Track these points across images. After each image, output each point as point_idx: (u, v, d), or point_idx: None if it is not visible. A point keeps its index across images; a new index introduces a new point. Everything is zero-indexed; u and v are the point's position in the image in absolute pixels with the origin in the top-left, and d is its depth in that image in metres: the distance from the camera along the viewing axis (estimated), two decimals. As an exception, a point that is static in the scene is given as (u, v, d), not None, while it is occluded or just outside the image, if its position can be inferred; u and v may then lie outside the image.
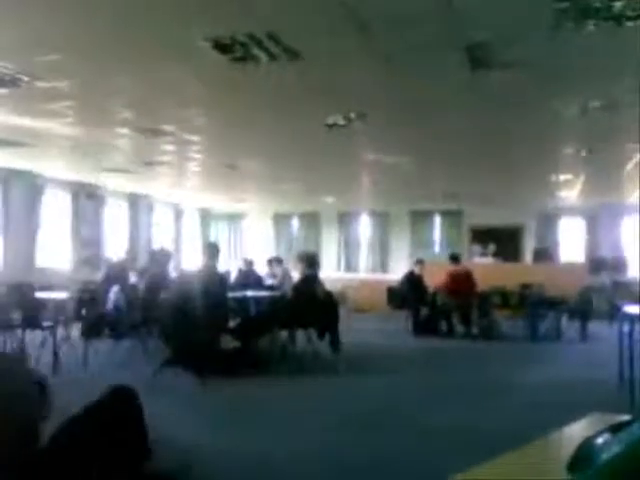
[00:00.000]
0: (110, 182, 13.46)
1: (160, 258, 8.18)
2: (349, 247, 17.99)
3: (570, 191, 13.51)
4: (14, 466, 2.21)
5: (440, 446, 4.20)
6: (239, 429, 4.62)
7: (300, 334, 7.43)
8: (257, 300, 8.63)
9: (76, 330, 8.70)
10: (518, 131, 8.07)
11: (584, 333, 10.15)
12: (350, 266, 17.82)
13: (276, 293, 8.97)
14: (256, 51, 4.98)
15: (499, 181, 12.51)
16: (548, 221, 16.45)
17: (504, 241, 16.28)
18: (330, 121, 7.43)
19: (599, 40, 4.70)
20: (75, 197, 13.25)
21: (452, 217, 16.98)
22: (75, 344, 7.72)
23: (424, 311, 10.74)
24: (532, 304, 10.23)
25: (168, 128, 7.97)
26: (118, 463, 2.57)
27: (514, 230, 16.43)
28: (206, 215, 18.65)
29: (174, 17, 4.41)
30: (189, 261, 16.34)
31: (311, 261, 7.97)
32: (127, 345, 7.50)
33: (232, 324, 7.20)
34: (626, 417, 1.43)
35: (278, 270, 10.79)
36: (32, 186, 12.01)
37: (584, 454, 1.20)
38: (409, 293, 11.01)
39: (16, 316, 7.06)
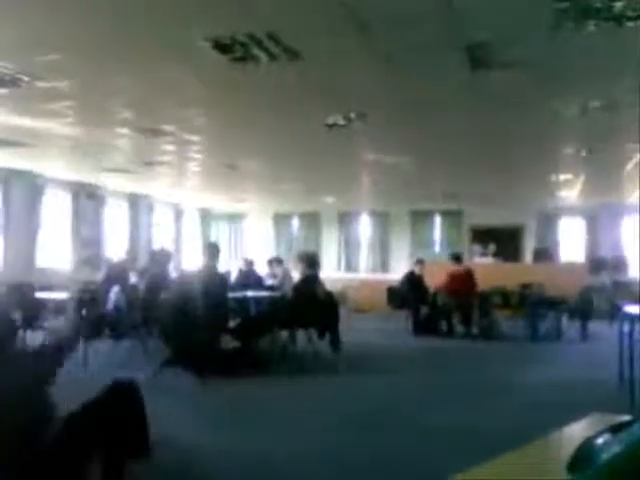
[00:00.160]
0: (110, 182, 13.46)
1: (160, 258, 8.18)
2: (349, 247, 17.99)
3: (570, 191, 13.51)
4: (16, 461, 2.22)
5: (440, 446, 4.20)
6: (239, 429, 4.62)
7: (300, 334, 7.43)
8: (257, 300, 8.63)
9: (76, 330, 8.68)
10: (518, 131, 8.07)
11: (584, 333, 10.15)
12: (350, 266, 17.82)
13: (276, 293, 8.97)
14: (256, 51, 4.98)
15: (499, 181, 12.51)
16: (548, 221, 16.45)
17: (504, 241, 16.28)
18: (330, 121, 7.43)
19: (599, 40, 4.70)
20: (75, 197, 13.25)
21: (452, 217, 16.98)
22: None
23: (424, 311, 10.74)
24: (532, 304, 10.23)
25: (168, 128, 7.97)
26: (117, 457, 2.57)
27: (514, 230, 16.43)
28: (206, 215, 18.65)
29: (174, 17, 4.41)
30: (189, 261, 16.33)
31: (311, 261, 7.97)
32: (127, 345, 7.50)
33: (232, 324, 7.20)
34: (626, 417, 1.42)
35: (278, 270, 10.79)
36: (32, 186, 12.01)
37: (584, 454, 1.20)
38: (409, 293, 11.00)
39: (16, 316, 7.07)
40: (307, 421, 4.91)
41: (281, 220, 18.46)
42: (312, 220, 18.09)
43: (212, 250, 7.21)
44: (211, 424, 4.78)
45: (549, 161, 10.31)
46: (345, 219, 17.91)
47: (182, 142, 8.83)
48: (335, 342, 7.50)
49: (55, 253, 12.87)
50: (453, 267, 10.79)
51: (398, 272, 13.86)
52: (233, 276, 11.79)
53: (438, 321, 10.65)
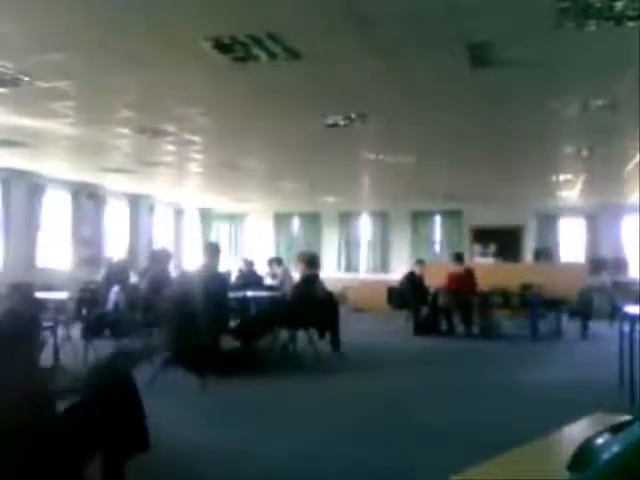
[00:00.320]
0: (111, 182, 13.47)
1: (161, 258, 8.17)
2: (349, 247, 17.99)
3: (570, 191, 13.52)
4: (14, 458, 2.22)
5: (440, 446, 4.20)
6: (239, 429, 4.62)
7: (301, 334, 7.43)
8: (257, 300, 8.63)
9: (77, 330, 8.70)
10: (518, 131, 8.08)
11: (585, 333, 10.15)
12: (350, 266, 17.82)
13: (276, 293, 8.97)
14: (256, 51, 4.99)
15: (499, 181, 12.51)
16: (548, 221, 16.46)
17: (505, 241, 16.31)
18: (330, 121, 7.43)
19: (600, 40, 4.71)
20: (75, 197, 13.26)
21: (453, 217, 16.98)
22: (76, 344, 7.72)
23: (424, 311, 10.74)
24: (532, 304, 10.24)
25: (169, 128, 7.98)
26: (115, 452, 2.56)
27: (514, 230, 16.44)
28: (207, 215, 18.65)
29: (174, 17, 4.42)
30: (190, 261, 16.34)
31: (312, 261, 7.97)
32: (127, 345, 7.49)
33: (233, 324, 7.20)
34: (627, 417, 1.42)
35: (278, 270, 10.80)
36: (33, 186, 12.02)
37: (584, 454, 1.20)
38: (409, 293, 11.00)
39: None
40: (307, 421, 4.91)
41: (281, 220, 18.47)
42: (312, 220, 18.10)
43: (212, 250, 7.20)
44: (211, 424, 4.78)
45: (549, 161, 10.32)
46: (345, 219, 17.92)
47: (182, 142, 8.83)
48: (335, 342, 7.50)
49: (55, 253, 12.89)
50: (454, 267, 10.80)
51: (398, 272, 13.86)
52: (233, 276, 11.80)
53: (438, 321, 10.65)
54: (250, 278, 11.21)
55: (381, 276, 16.46)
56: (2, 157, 10.31)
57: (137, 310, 7.61)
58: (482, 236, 16.54)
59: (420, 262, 11.89)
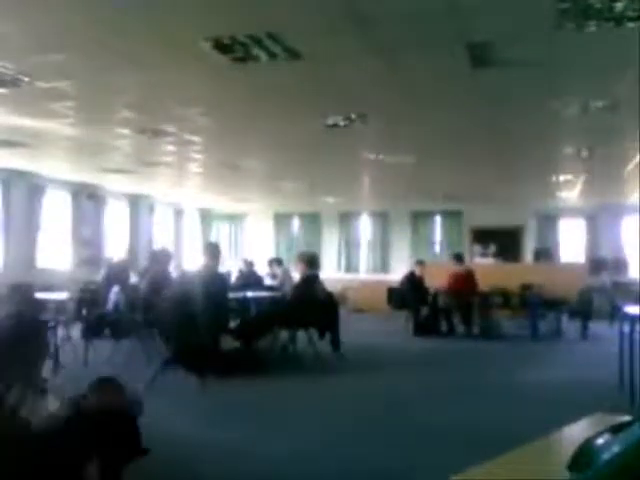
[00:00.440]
0: (111, 182, 13.46)
1: (161, 258, 8.17)
2: (350, 247, 17.99)
3: (570, 191, 13.52)
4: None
5: (440, 446, 4.20)
6: (240, 429, 4.62)
7: (301, 334, 7.43)
8: (257, 301, 8.63)
9: (77, 330, 8.70)
10: (518, 131, 8.08)
11: (585, 333, 10.16)
12: (350, 266, 17.82)
13: (276, 294, 8.97)
14: (256, 51, 4.99)
15: (499, 181, 12.51)
16: (548, 221, 16.46)
17: (505, 241, 16.31)
18: (330, 121, 7.43)
19: (600, 40, 4.71)
20: (75, 197, 13.25)
21: (453, 217, 16.98)
22: (76, 344, 7.72)
23: (424, 311, 10.75)
24: (532, 304, 10.24)
25: (169, 128, 7.98)
26: (108, 460, 2.55)
27: (514, 230, 16.44)
28: (207, 215, 18.65)
29: (174, 17, 4.41)
30: (190, 262, 16.34)
31: (311, 261, 7.97)
32: (127, 345, 7.49)
33: (233, 324, 7.20)
34: (627, 418, 1.42)
35: (278, 271, 10.80)
36: (33, 187, 12.02)
37: (585, 454, 1.20)
38: (409, 293, 11.01)
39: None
40: (307, 421, 4.91)
41: (281, 220, 18.47)
42: (312, 220, 18.10)
43: (212, 250, 7.21)
44: (211, 424, 4.78)
45: (549, 161, 10.32)
46: (345, 219, 17.91)
47: (182, 142, 8.83)
48: (335, 342, 7.50)
49: (55, 253, 12.88)
50: (454, 267, 10.80)
51: (398, 272, 13.87)
52: (233, 276, 11.80)
53: (438, 321, 10.65)
54: (250, 278, 11.21)
55: (381, 276, 16.46)
56: (2, 157, 10.31)
57: (137, 310, 7.61)
58: (482, 236, 16.55)
59: (420, 262, 11.90)
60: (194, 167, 11.36)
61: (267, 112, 7.18)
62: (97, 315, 8.67)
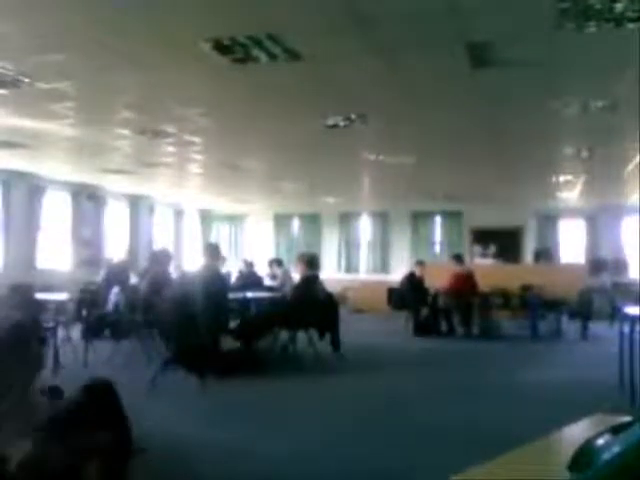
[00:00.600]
0: (111, 183, 13.47)
1: (162, 258, 8.17)
2: (350, 248, 17.99)
3: (570, 192, 13.52)
4: None
5: (440, 446, 4.20)
6: (239, 429, 4.62)
7: (301, 335, 7.43)
8: (257, 301, 8.63)
9: (77, 331, 8.70)
10: (518, 131, 8.08)
11: (585, 333, 10.16)
12: (351, 267, 17.82)
13: (276, 294, 8.97)
14: (256, 52, 4.99)
15: (499, 181, 12.51)
16: (548, 222, 16.46)
17: (505, 242, 16.31)
18: (330, 122, 7.43)
19: (600, 41, 4.71)
20: (76, 198, 13.26)
21: (453, 218, 16.99)
22: (76, 345, 7.72)
23: (424, 312, 10.75)
24: (532, 305, 10.25)
25: (169, 129, 7.98)
26: (95, 460, 2.53)
27: (514, 231, 16.44)
28: (207, 216, 18.66)
29: (174, 18, 4.42)
30: (190, 262, 16.34)
31: (312, 262, 7.97)
32: (127, 346, 7.49)
33: (233, 325, 7.20)
34: (627, 418, 1.42)
35: (278, 271, 10.80)
36: (33, 187, 12.02)
37: (585, 455, 1.20)
38: (409, 294, 11.01)
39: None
40: (307, 421, 4.91)
41: (281, 221, 18.47)
42: (312, 221, 18.11)
43: (212, 250, 7.21)
44: (211, 424, 4.78)
45: (549, 162, 10.32)
46: (345, 219, 17.92)
47: (182, 143, 8.83)
48: (335, 342, 7.50)
49: (55, 254, 12.88)
50: (455, 268, 10.80)
51: (398, 273, 13.87)
52: (233, 277, 11.79)
53: (438, 322, 10.65)
54: (250, 279, 11.21)
55: (381, 277, 16.47)
56: (2, 158, 10.31)
57: (137, 311, 7.61)
58: (482, 237, 16.55)
59: (420, 263, 11.90)
60: (194, 168, 11.36)
61: (267, 112, 7.18)
62: (97, 316, 8.67)
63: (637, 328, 5.55)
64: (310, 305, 7.36)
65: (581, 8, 4.10)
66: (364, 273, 17.55)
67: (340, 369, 7.17)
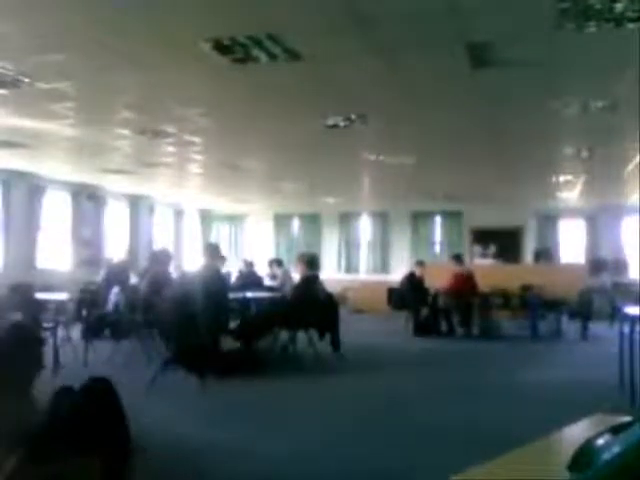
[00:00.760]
0: (111, 183, 13.47)
1: (162, 258, 8.18)
2: (350, 248, 17.99)
3: (570, 192, 13.52)
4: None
5: (440, 446, 4.20)
6: (239, 429, 4.62)
7: (301, 335, 7.43)
8: (257, 301, 8.63)
9: (77, 331, 8.70)
10: (518, 131, 8.08)
11: (585, 334, 10.15)
12: (351, 267, 17.82)
13: (276, 294, 8.97)
14: (256, 52, 4.99)
15: (499, 181, 12.52)
16: (548, 222, 16.46)
17: (505, 242, 16.31)
18: (330, 122, 7.43)
19: (600, 41, 4.71)
20: (76, 198, 13.26)
21: (453, 218, 16.99)
22: (76, 345, 7.72)
23: (424, 312, 10.75)
24: (532, 305, 10.25)
25: (169, 129, 7.98)
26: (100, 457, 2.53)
27: (514, 231, 16.44)
28: (207, 216, 18.65)
29: (175, 18, 4.42)
30: (190, 262, 16.34)
31: (312, 262, 7.97)
32: (127, 346, 7.50)
33: (233, 325, 7.20)
34: (627, 418, 1.42)
35: (278, 272, 10.80)
36: (33, 187, 12.02)
37: (585, 455, 1.20)
38: (409, 294, 11.01)
39: (17, 317, 7.06)
40: (307, 421, 4.91)
41: (281, 221, 18.47)
42: (312, 221, 18.11)
43: (212, 250, 7.22)
44: (211, 424, 4.78)
45: (549, 162, 10.32)
46: (345, 220, 17.92)
47: (182, 143, 8.83)
48: (335, 342, 7.50)
49: (55, 254, 12.88)
50: (455, 268, 10.80)
51: (398, 273, 13.87)
52: (233, 277, 11.79)
53: (438, 322, 10.65)
54: (250, 279, 11.21)
55: (381, 277, 16.47)
56: (2, 158, 10.31)
57: (137, 311, 7.62)
58: (482, 237, 16.55)
59: (420, 263, 11.89)
60: (194, 168, 11.36)
61: (267, 112, 7.18)
62: (97, 316, 8.67)
63: (637, 328, 5.55)
64: (310, 305, 7.36)
65: (581, 8, 4.10)
66: (364, 273, 17.55)
67: (340, 369, 7.17)
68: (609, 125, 7.41)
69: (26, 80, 5.82)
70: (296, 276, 8.70)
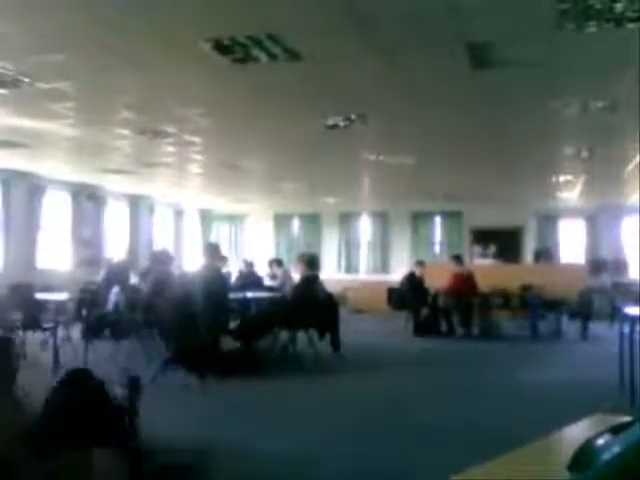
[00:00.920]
0: (111, 183, 13.47)
1: (164, 259, 8.18)
2: (350, 248, 17.99)
3: (570, 192, 13.52)
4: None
5: (440, 446, 4.20)
6: (239, 429, 4.62)
7: (301, 335, 7.43)
8: (257, 301, 8.63)
9: (77, 331, 8.70)
10: (518, 131, 8.08)
11: (585, 334, 10.16)
12: (351, 267, 17.82)
13: (276, 294, 8.97)
14: (256, 52, 4.99)
15: (499, 181, 12.52)
16: (548, 222, 16.46)
17: (504, 242, 16.31)
18: (330, 122, 7.43)
19: (600, 41, 4.71)
20: (76, 198, 13.25)
21: (453, 218, 16.98)
22: (76, 345, 7.72)
23: (424, 312, 10.75)
24: (532, 305, 10.25)
25: (169, 129, 7.98)
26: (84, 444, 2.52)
27: (514, 231, 16.44)
28: (207, 216, 18.65)
29: (175, 18, 4.42)
30: (190, 262, 16.34)
31: (311, 262, 7.97)
32: (127, 346, 7.50)
33: (233, 325, 7.20)
34: (627, 418, 1.42)
35: (278, 272, 10.80)
36: (33, 187, 12.02)
37: (585, 455, 1.20)
38: (409, 294, 11.01)
39: (17, 317, 7.07)
40: (307, 421, 4.91)
41: (281, 221, 18.47)
42: (312, 221, 18.10)
43: (212, 250, 7.22)
44: (211, 424, 4.78)
45: (549, 162, 10.32)
46: (345, 220, 17.91)
47: (182, 143, 8.83)
48: (335, 343, 7.50)
49: (55, 254, 12.88)
50: (455, 268, 10.80)
51: (398, 273, 13.87)
52: (233, 277, 11.79)
53: (438, 322, 10.65)
54: (250, 279, 11.20)
55: (381, 277, 16.46)
56: (2, 158, 10.31)
57: (137, 311, 7.62)
58: (482, 237, 16.55)
59: (420, 263, 11.89)
60: (194, 168, 11.36)
61: (267, 112, 7.18)
62: (97, 315, 8.67)
63: (637, 328, 5.55)
64: (310, 305, 7.36)
65: (581, 8, 4.10)
66: (364, 273, 17.55)
67: (340, 369, 7.17)
68: (609, 125, 7.41)
69: (26, 80, 5.82)
70: (296, 276, 8.70)
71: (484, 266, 14.24)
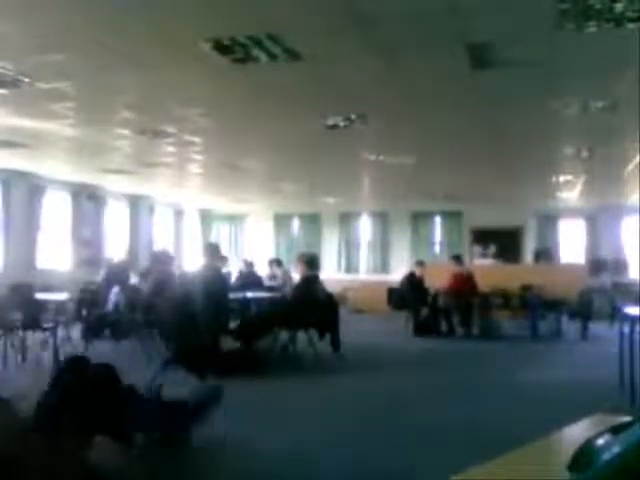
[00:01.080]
0: (111, 183, 13.47)
1: (164, 259, 8.18)
2: (350, 248, 17.99)
3: (570, 192, 13.52)
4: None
5: (440, 446, 4.19)
6: (239, 429, 4.62)
7: (301, 335, 7.43)
8: (257, 301, 8.63)
9: (77, 331, 8.69)
10: (518, 131, 8.08)
11: (585, 334, 10.15)
12: (351, 267, 17.82)
13: (276, 294, 8.97)
14: (256, 52, 4.99)
15: (499, 181, 12.52)
16: (548, 222, 16.46)
17: (504, 242, 16.31)
18: (330, 122, 7.44)
19: (600, 41, 4.71)
20: (76, 198, 13.25)
21: (453, 218, 16.99)
22: (76, 345, 7.72)
23: (424, 312, 10.75)
24: (532, 305, 10.24)
25: (169, 129, 7.98)
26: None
27: (514, 231, 16.44)
28: (207, 216, 18.65)
29: (175, 18, 4.42)
30: (190, 262, 16.34)
31: (311, 262, 7.97)
32: (127, 346, 7.50)
33: (233, 325, 7.20)
34: (627, 418, 1.42)
35: (278, 272, 10.80)
36: (33, 187, 12.02)
37: (585, 455, 1.20)
38: (409, 294, 11.01)
39: (17, 317, 7.07)
40: (307, 421, 4.91)
41: (281, 221, 18.47)
42: (312, 221, 18.11)
43: (212, 250, 7.22)
44: (211, 424, 4.77)
45: (549, 162, 10.33)
46: (345, 220, 17.91)
47: (182, 143, 8.83)
48: (335, 343, 7.50)
49: (55, 254, 12.88)
50: (455, 268, 10.80)
51: (398, 273, 13.87)
52: (233, 277, 11.80)
53: (438, 322, 10.65)
54: (250, 279, 11.21)
55: (381, 277, 16.46)
56: (2, 158, 10.31)
57: (137, 311, 7.62)
58: (482, 237, 16.55)
59: (420, 263, 11.89)
60: (194, 168, 11.36)
61: (267, 112, 7.18)
62: (97, 316, 8.67)
63: (637, 328, 5.55)
64: (310, 305, 7.36)
65: (581, 8, 4.10)
66: (364, 273, 17.55)
67: (340, 369, 7.16)
68: (609, 125, 7.41)
69: (26, 80, 5.82)
70: (296, 276, 8.70)
71: (484, 266, 14.24)
